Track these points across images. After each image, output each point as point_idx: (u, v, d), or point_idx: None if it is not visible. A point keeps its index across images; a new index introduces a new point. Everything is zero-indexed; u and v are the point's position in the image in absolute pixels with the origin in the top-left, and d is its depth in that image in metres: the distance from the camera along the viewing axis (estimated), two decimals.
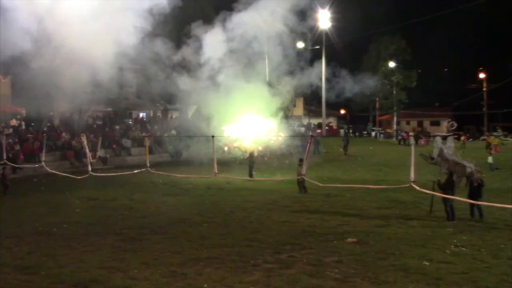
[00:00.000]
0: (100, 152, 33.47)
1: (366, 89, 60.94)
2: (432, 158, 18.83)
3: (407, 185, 13.50)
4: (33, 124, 37.72)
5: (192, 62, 28.10)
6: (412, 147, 14.05)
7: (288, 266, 11.90)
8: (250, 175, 27.19)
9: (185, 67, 28.16)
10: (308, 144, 16.58)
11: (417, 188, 13.35)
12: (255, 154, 29.00)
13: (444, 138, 18.51)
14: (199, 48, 28.07)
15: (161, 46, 27.11)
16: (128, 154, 37.49)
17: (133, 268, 11.82)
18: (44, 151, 24.46)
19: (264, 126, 29.93)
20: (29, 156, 32.24)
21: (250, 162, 27.87)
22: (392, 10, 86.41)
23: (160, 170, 23.72)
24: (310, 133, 55.75)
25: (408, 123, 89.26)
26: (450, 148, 18.52)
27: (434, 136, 35.79)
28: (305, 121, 78.33)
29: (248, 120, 29.84)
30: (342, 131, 67.06)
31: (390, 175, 28.70)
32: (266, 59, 38.07)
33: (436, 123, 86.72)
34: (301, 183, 22.19)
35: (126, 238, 14.68)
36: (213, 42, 27.85)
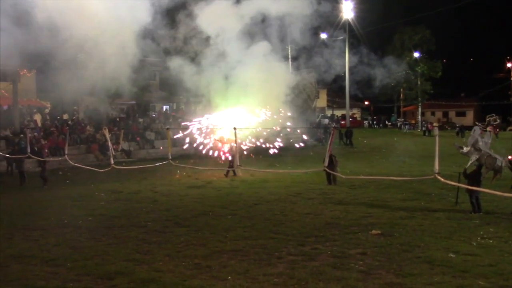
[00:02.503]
0: (124, 145, 33.77)
1: (390, 80, 60.60)
2: (462, 148, 18.64)
3: (432, 176, 13.35)
4: (58, 117, 38.12)
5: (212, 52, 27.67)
6: (437, 138, 13.87)
7: (312, 258, 11.85)
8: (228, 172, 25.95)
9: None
10: (331, 136, 16.50)
11: (442, 179, 13.20)
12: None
13: (484, 130, 18.24)
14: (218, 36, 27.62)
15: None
16: (151, 147, 37.70)
17: (157, 260, 11.87)
18: (67, 144, 24.67)
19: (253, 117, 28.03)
20: (54, 149, 32.61)
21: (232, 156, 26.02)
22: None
23: (183, 163, 23.89)
24: (333, 125, 55.68)
25: (433, 113, 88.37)
26: (486, 143, 18.26)
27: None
28: (329, 112, 78.10)
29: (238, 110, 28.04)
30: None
31: (415, 167, 28.44)
32: (289, 49, 37.88)
33: (462, 114, 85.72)
34: (329, 175, 22.18)
35: (150, 231, 14.76)
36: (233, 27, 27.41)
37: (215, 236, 14.01)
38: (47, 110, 40.30)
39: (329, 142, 15.82)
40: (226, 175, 25.52)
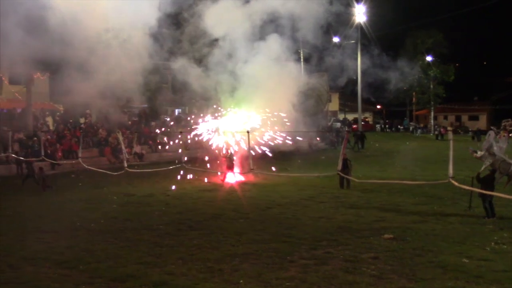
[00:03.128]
0: (136, 148, 33.89)
1: (403, 84, 60.36)
2: (476, 152, 18.49)
3: (446, 181, 13.28)
4: (70, 120, 38.32)
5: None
6: (451, 142, 13.78)
7: (324, 262, 11.83)
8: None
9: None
10: (344, 140, 16.48)
11: (456, 184, 13.13)
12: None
13: (497, 134, 18.06)
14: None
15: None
16: (164, 150, 37.75)
17: (170, 263, 11.89)
18: (80, 147, 24.76)
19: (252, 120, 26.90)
20: (67, 152, 32.78)
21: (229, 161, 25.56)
22: (429, 2, 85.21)
23: (195, 166, 23.92)
24: (346, 129, 55.56)
25: (445, 117, 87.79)
26: (501, 148, 18.09)
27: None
28: (341, 116, 77.94)
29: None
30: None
31: (428, 171, 28.29)
32: (301, 52, 37.78)
33: (475, 118, 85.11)
34: (342, 179, 22.16)
35: (162, 234, 14.79)
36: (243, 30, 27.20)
37: (227, 239, 14.02)
38: (58, 113, 40.54)
39: (342, 146, 15.75)
40: (223, 180, 25.25)
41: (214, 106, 27.51)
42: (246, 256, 12.37)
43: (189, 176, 25.25)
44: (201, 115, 27.46)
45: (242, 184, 24.56)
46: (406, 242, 13.47)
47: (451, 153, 13.04)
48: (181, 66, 27.20)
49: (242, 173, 25.10)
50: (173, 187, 23.39)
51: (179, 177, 24.88)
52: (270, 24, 26.85)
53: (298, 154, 34.33)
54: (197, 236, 14.41)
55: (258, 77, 26.06)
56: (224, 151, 25.75)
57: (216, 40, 26.46)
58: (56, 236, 14.72)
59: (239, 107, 26.39)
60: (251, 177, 25.04)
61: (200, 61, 27.44)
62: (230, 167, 24.98)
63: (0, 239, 14.37)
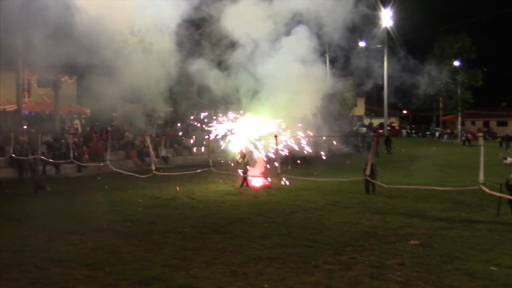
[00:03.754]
0: (163, 152, 34.08)
1: (430, 89, 59.82)
2: (506, 158, 18.25)
3: (476, 187, 13.09)
4: (97, 123, 38.72)
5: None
6: (482, 148, 13.56)
7: (349, 268, 11.72)
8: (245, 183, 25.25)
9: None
10: (373, 145, 16.36)
11: (487, 190, 12.94)
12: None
13: None
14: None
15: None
16: (189, 154, 37.92)
17: (194, 266, 11.89)
18: (108, 150, 24.98)
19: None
20: (93, 155, 33.13)
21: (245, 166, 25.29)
22: (457, 7, 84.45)
23: (222, 170, 23.95)
24: (372, 134, 55.24)
25: (473, 123, 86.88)
26: None
27: None
28: (367, 121, 77.57)
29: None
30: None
31: (454, 177, 27.99)
32: (327, 56, 37.61)
33: (503, 124, 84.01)
34: (368, 184, 22.03)
35: (187, 237, 14.81)
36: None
37: (251, 243, 13.98)
38: (84, 116, 41.02)
39: (371, 151, 15.59)
40: (242, 185, 25.01)
41: (234, 110, 27.35)
42: (270, 260, 12.32)
43: (216, 179, 25.30)
44: (219, 118, 27.26)
45: (267, 188, 24.52)
46: (433, 249, 13.29)
47: (482, 159, 12.86)
48: (202, 68, 27.22)
49: (266, 177, 25.02)
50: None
51: (204, 180, 24.96)
52: (295, 26, 26.63)
53: (323, 159, 34.17)
54: (221, 240, 14.41)
55: (281, 79, 25.82)
56: (240, 156, 25.51)
57: (237, 42, 26.36)
58: (82, 237, 14.84)
59: (260, 110, 26.18)
60: (276, 181, 24.93)
61: (220, 63, 27.40)
62: (245, 172, 24.78)
63: (27, 240, 14.54)
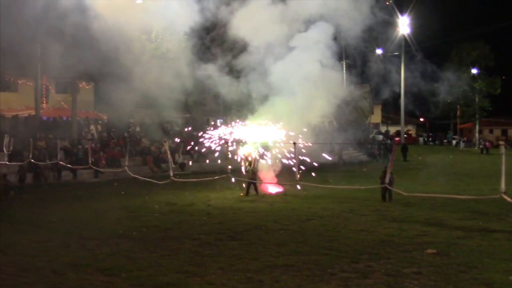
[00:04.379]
0: (179, 158, 34.16)
1: (447, 96, 59.48)
2: None
3: (497, 196, 12.95)
4: (113, 129, 38.94)
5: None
6: (503, 157, 13.41)
7: (366, 276, 11.64)
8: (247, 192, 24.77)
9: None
10: (392, 152, 16.24)
11: (509, 199, 12.80)
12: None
13: None
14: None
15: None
16: (205, 160, 37.92)
17: (210, 273, 11.88)
18: (127, 156, 25.07)
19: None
20: (110, 161, 33.32)
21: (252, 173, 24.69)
22: (475, 14, 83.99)
23: (240, 176, 23.92)
24: (389, 141, 54.96)
25: (491, 131, 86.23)
26: None
27: None
28: (383, 128, 77.27)
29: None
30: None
31: (472, 185, 27.77)
32: (344, 63, 37.51)
33: None
34: (384, 192, 21.92)
35: (203, 243, 14.81)
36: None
37: (267, 250, 13.96)
38: (100, 122, 41.27)
39: (390, 159, 15.42)
40: (247, 193, 24.62)
41: (244, 116, 27.09)
42: (286, 267, 12.28)
43: (232, 186, 25.25)
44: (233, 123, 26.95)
45: (283, 195, 24.48)
46: (450, 258, 13.17)
47: (503, 167, 12.72)
48: (214, 74, 27.21)
49: (282, 184, 24.86)
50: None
51: (221, 186, 24.96)
52: (311, 31, 26.45)
53: (339, 166, 34.10)
54: (237, 246, 14.40)
55: (296, 84, 25.57)
56: (247, 163, 25.00)
57: (251, 46, 26.19)
58: (99, 243, 14.91)
59: (272, 116, 25.90)
60: (292, 189, 24.79)
61: (233, 69, 27.30)
62: (253, 179, 24.37)
63: (44, 245, 14.63)
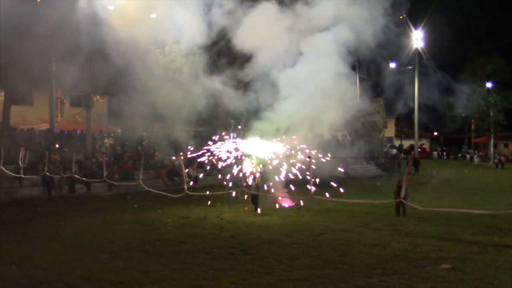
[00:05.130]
0: (193, 172, 34.19)
1: (461, 111, 59.18)
2: None
3: None
4: (127, 143, 39.11)
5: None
6: None
7: None
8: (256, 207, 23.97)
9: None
10: (408, 166, 16.14)
11: None
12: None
13: None
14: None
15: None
16: (219, 174, 37.89)
17: (223, 287, 11.87)
18: (142, 170, 25.14)
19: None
20: (124, 174, 33.44)
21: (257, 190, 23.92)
22: (489, 28, 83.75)
23: (253, 190, 23.80)
24: (397, 154, 54.72)
25: (506, 145, 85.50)
26: None
27: None
28: (397, 142, 77.03)
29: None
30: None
31: (487, 200, 27.52)
32: (357, 76, 37.43)
33: None
34: (398, 206, 21.80)
35: (216, 257, 14.79)
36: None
37: (280, 264, 13.90)
38: (112, 135, 41.51)
39: (405, 173, 15.28)
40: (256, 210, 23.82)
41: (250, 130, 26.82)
42: (299, 282, 12.23)
43: (246, 200, 25.15)
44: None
45: (296, 209, 24.38)
46: (465, 273, 13.04)
47: None
48: (224, 87, 27.13)
49: (296, 199, 24.63)
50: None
51: (234, 200, 24.91)
52: (325, 45, 26.26)
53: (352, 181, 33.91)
54: (249, 261, 14.36)
55: (309, 96, 25.27)
56: (251, 178, 24.28)
57: (259, 57, 26.00)
58: (112, 256, 14.95)
59: (279, 129, 25.67)
60: (306, 202, 24.65)
61: (242, 82, 27.20)
62: (256, 196, 23.70)
63: (58, 258, 14.69)
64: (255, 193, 23.49)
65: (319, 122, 25.84)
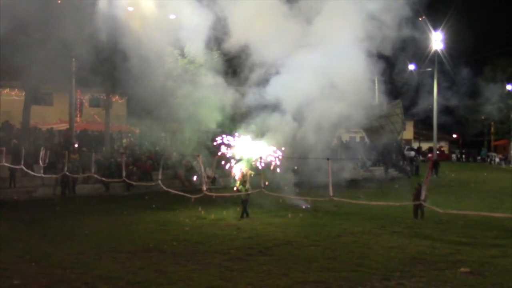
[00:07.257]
0: (211, 173, 34.21)
1: (481, 113, 58.63)
2: None
3: None
4: (146, 143, 39.27)
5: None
6: None
7: None
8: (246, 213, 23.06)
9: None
10: (428, 169, 16.01)
11: None
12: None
13: None
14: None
15: None
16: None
17: None
18: (161, 170, 25.19)
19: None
20: (142, 174, 33.62)
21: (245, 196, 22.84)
22: (510, 30, 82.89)
23: (274, 191, 23.70)
24: (415, 155, 54.34)
25: None
26: None
27: None
28: (415, 144, 76.56)
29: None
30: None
31: (506, 203, 27.23)
32: (376, 80, 37.18)
33: None
34: (416, 208, 21.67)
35: (233, 258, 14.82)
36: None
37: (297, 266, 13.90)
38: (130, 135, 41.71)
39: (426, 176, 15.13)
40: (242, 216, 22.91)
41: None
42: (316, 284, 12.22)
43: (263, 202, 25.09)
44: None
45: (313, 211, 24.34)
46: (484, 277, 12.94)
47: None
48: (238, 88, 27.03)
49: (313, 200, 24.50)
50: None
51: (252, 201, 24.89)
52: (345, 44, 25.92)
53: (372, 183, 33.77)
54: (267, 262, 14.36)
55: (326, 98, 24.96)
56: (240, 182, 23.53)
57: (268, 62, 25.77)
58: (130, 256, 15.04)
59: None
60: (323, 204, 24.55)
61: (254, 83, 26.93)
62: (246, 200, 22.90)
63: (77, 257, 14.82)
64: (245, 199, 22.87)
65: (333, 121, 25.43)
